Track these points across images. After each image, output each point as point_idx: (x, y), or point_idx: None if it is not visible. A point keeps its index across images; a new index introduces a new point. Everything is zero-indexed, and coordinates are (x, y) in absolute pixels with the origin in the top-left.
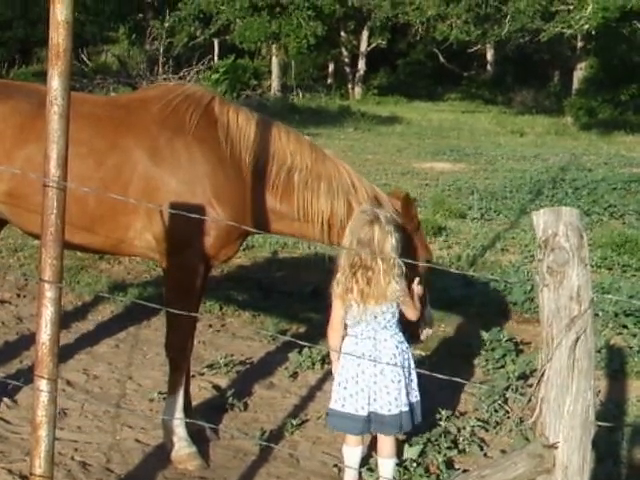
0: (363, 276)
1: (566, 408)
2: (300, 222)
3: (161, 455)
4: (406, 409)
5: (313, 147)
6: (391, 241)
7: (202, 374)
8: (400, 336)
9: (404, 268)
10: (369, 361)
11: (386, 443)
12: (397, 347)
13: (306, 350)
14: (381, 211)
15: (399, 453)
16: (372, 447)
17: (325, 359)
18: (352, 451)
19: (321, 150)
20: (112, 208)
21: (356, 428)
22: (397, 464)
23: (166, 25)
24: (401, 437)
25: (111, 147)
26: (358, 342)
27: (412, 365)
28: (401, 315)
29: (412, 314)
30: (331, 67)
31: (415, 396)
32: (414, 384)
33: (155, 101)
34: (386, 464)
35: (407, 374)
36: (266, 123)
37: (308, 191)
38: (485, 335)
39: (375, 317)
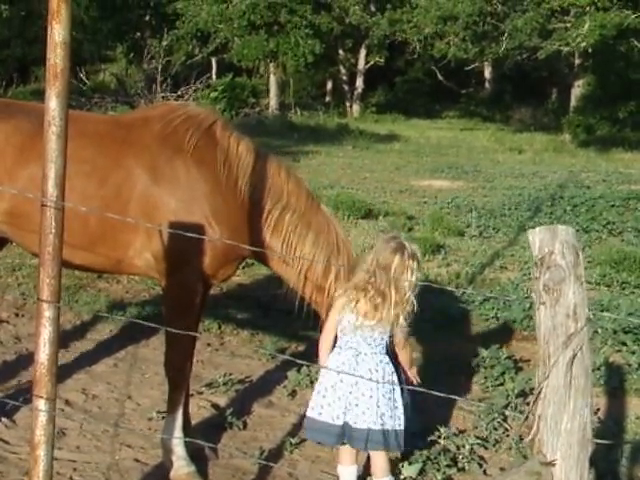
0: (373, 300)
1: (563, 426)
2: (284, 264)
3: (160, 474)
4: (376, 427)
5: (310, 195)
6: (409, 277)
7: (201, 393)
8: (385, 357)
9: (415, 307)
10: (348, 371)
11: (378, 462)
12: (378, 364)
13: (305, 369)
14: (410, 244)
15: (393, 471)
16: (368, 467)
17: None
18: (347, 470)
19: (317, 201)
20: (113, 226)
21: (331, 438)
22: None
23: (164, 44)
24: (393, 455)
25: (112, 165)
26: (341, 352)
27: (397, 392)
28: None
29: (400, 345)
30: (329, 85)
31: (399, 425)
32: (397, 412)
33: (157, 120)
34: None
35: (388, 396)
36: (267, 157)
37: (295, 235)
38: (484, 353)
39: (362, 331)
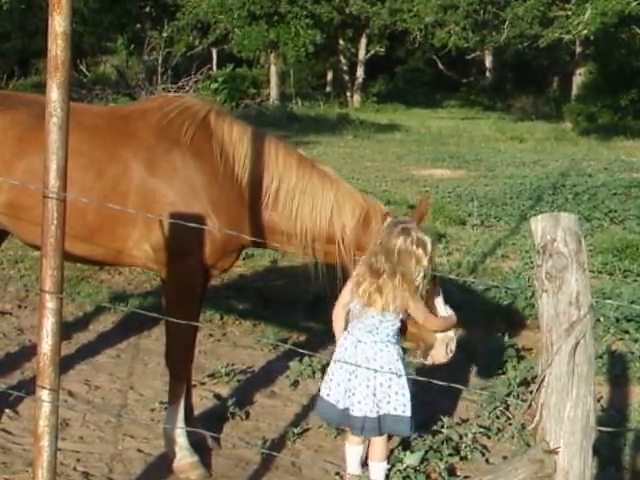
0: (372, 282)
1: (566, 413)
2: (287, 236)
3: (163, 465)
4: (372, 415)
5: (302, 162)
6: (413, 264)
7: (203, 383)
8: (387, 345)
9: (421, 286)
10: (349, 357)
11: (377, 447)
12: (377, 353)
13: (307, 359)
14: (417, 231)
15: (389, 458)
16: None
17: (325, 368)
18: (353, 449)
19: (310, 164)
20: (111, 218)
21: (334, 419)
22: (389, 469)
23: (164, 35)
24: (392, 444)
25: (110, 158)
26: (347, 337)
27: (401, 380)
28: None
29: (432, 323)
30: (330, 75)
31: (402, 411)
32: (398, 397)
33: (153, 112)
34: (374, 467)
35: (387, 384)
36: (259, 137)
37: (293, 206)
38: (486, 341)
39: (364, 319)
